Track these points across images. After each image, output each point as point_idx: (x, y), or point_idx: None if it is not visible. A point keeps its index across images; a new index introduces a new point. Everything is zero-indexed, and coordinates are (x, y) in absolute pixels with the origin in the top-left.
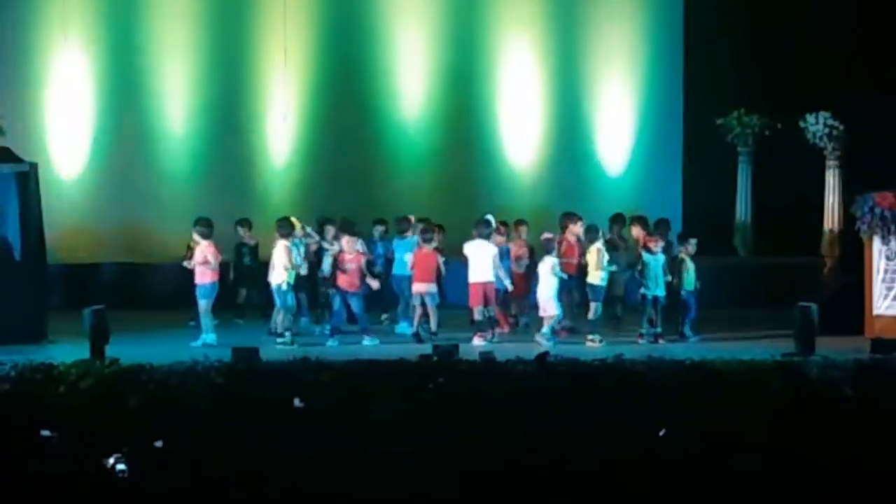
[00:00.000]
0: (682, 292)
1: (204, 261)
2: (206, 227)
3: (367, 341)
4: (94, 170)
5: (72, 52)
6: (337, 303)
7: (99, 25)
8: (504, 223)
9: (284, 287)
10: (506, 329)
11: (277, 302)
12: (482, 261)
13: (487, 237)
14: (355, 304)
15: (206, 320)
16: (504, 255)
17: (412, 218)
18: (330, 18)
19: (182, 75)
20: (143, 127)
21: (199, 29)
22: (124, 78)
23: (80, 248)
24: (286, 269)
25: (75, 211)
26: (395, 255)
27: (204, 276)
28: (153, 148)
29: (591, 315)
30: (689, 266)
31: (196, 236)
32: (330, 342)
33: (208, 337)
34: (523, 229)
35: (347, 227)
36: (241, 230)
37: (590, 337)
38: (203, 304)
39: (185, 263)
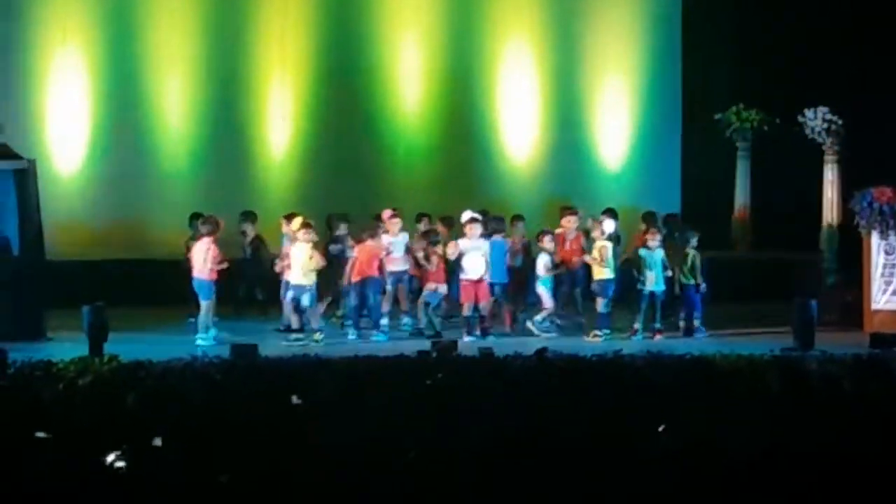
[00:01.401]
0: (692, 287)
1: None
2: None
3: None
4: (92, 166)
5: (70, 49)
6: (370, 296)
7: (98, 23)
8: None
9: (307, 285)
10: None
11: (307, 301)
12: (473, 259)
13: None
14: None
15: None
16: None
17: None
18: (328, 17)
19: (180, 72)
20: (142, 123)
21: (197, 27)
22: (123, 74)
23: (79, 244)
24: (309, 269)
25: (74, 207)
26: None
27: (220, 274)
28: (152, 144)
29: (599, 309)
30: (697, 261)
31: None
32: (376, 335)
33: (219, 334)
34: (520, 225)
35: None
36: (245, 224)
37: (595, 332)
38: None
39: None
